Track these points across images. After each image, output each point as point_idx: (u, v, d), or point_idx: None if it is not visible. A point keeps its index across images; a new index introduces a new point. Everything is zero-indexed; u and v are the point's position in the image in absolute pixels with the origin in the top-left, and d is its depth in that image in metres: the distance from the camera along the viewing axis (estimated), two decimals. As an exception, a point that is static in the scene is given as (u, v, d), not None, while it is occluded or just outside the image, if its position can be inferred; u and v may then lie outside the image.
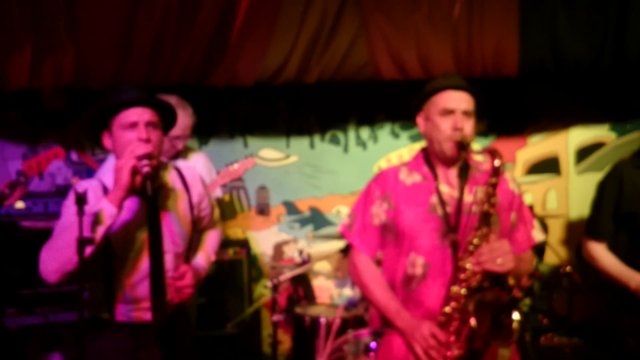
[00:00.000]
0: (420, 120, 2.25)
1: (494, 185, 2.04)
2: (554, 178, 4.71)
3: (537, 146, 4.70)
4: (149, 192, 2.01)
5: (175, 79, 4.17)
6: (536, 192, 4.69)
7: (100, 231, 2.02)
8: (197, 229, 2.41)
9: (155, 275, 2.03)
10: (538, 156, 4.71)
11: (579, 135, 4.70)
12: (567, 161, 4.71)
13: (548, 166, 4.71)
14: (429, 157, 2.23)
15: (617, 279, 2.79)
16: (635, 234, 2.79)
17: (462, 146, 2.10)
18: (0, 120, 4.21)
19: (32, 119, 4.25)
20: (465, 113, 2.13)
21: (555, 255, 4.21)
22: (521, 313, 1.91)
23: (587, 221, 2.97)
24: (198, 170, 2.98)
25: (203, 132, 4.45)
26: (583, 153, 4.70)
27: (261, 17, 3.68)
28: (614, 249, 2.86)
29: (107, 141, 2.19)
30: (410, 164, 2.26)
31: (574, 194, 4.67)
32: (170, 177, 2.31)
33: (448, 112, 2.13)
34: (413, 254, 2.11)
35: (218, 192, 3.81)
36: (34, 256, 2.22)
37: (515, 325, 1.92)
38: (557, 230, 4.66)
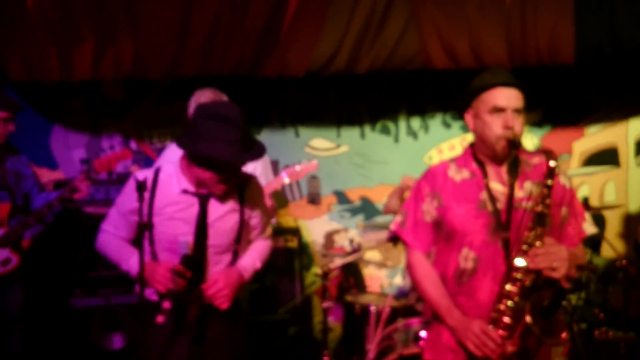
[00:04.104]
0: (468, 117, 2.22)
1: (549, 187, 2.02)
2: (613, 170, 4.58)
3: (595, 137, 4.58)
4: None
5: (229, 69, 4.27)
6: (593, 184, 4.58)
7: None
8: (247, 238, 2.46)
9: (197, 266, 2.21)
10: (596, 147, 4.59)
11: (640, 126, 4.56)
12: (627, 152, 4.57)
13: (606, 157, 4.59)
14: (477, 154, 2.22)
15: None
16: None
17: (514, 145, 2.08)
18: (64, 110, 4.42)
19: (94, 108, 4.44)
20: (516, 111, 2.10)
21: (611, 248, 4.09)
22: (568, 302, 1.90)
23: None
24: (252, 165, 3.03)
25: (255, 122, 4.54)
26: (644, 144, 4.56)
27: (311, 7, 3.72)
28: None
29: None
30: (459, 160, 2.25)
31: (633, 186, 4.54)
32: None
33: (498, 110, 2.10)
34: (466, 248, 2.12)
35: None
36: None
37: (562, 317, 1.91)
38: (615, 223, 4.53)
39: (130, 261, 2.28)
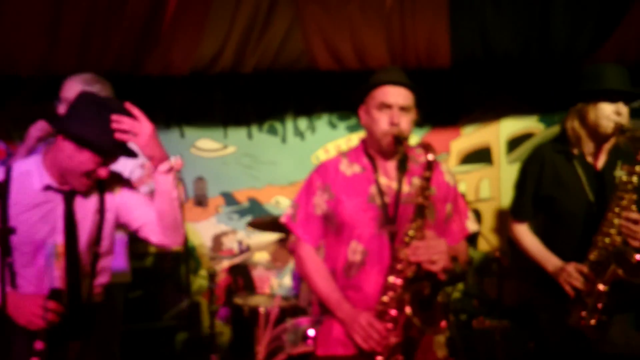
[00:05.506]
0: (361, 112, 2.31)
1: (428, 179, 2.11)
2: (487, 167, 4.86)
3: (470, 137, 4.84)
4: None
5: (108, 66, 4.05)
6: (470, 182, 4.83)
7: None
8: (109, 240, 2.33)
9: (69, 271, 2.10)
10: (471, 146, 4.84)
11: (510, 126, 4.85)
12: (499, 151, 4.86)
13: (481, 156, 4.85)
14: (368, 149, 2.30)
15: (536, 260, 2.85)
16: (552, 218, 2.87)
17: (399, 141, 2.17)
18: None
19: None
20: (403, 108, 2.19)
21: (487, 242, 4.34)
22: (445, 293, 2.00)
23: (511, 202, 3.06)
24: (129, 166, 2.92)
25: (138, 122, 4.36)
26: (514, 143, 4.85)
27: (193, 4, 3.63)
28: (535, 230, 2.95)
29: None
30: (351, 155, 2.32)
31: (505, 182, 4.82)
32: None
33: (385, 107, 2.19)
34: (355, 241, 2.18)
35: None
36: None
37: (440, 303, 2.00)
38: (489, 218, 4.82)
39: None
